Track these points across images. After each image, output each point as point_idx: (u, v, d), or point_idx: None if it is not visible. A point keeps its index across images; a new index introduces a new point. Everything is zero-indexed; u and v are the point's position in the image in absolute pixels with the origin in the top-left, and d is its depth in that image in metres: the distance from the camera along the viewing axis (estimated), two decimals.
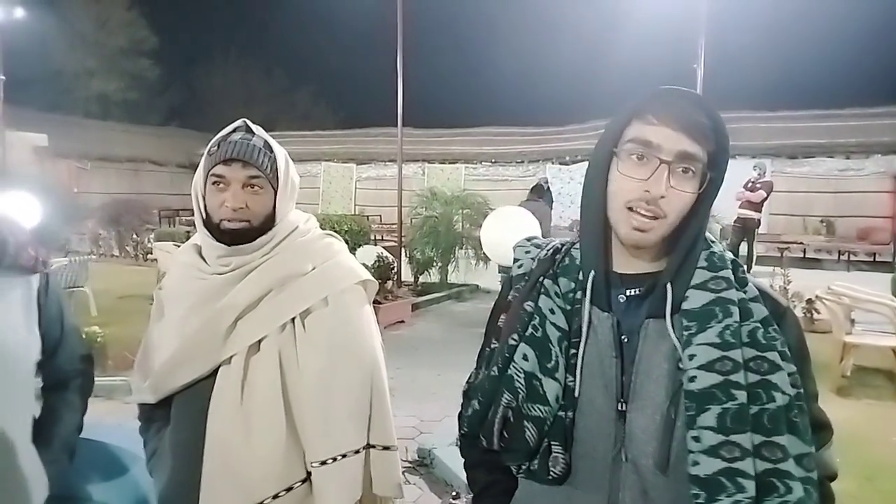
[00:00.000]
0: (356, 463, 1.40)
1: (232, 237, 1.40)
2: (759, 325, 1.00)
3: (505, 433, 1.06)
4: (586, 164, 1.14)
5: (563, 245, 1.18)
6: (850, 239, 14.51)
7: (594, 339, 1.06)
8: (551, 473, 1.04)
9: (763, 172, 11.90)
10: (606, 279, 1.08)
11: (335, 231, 6.54)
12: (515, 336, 1.08)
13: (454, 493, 2.95)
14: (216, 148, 1.41)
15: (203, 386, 1.39)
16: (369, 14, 20.27)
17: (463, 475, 3.32)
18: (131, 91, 30.61)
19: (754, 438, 0.93)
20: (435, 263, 9.87)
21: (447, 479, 3.50)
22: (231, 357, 1.37)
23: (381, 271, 7.77)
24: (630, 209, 1.01)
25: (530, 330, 1.07)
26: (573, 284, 1.10)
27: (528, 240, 1.25)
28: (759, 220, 11.85)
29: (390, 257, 8.63)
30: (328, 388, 1.38)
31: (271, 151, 1.42)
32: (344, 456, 1.38)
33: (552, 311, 1.08)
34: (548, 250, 1.18)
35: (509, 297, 1.18)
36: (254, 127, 1.45)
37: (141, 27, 30.61)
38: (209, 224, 1.42)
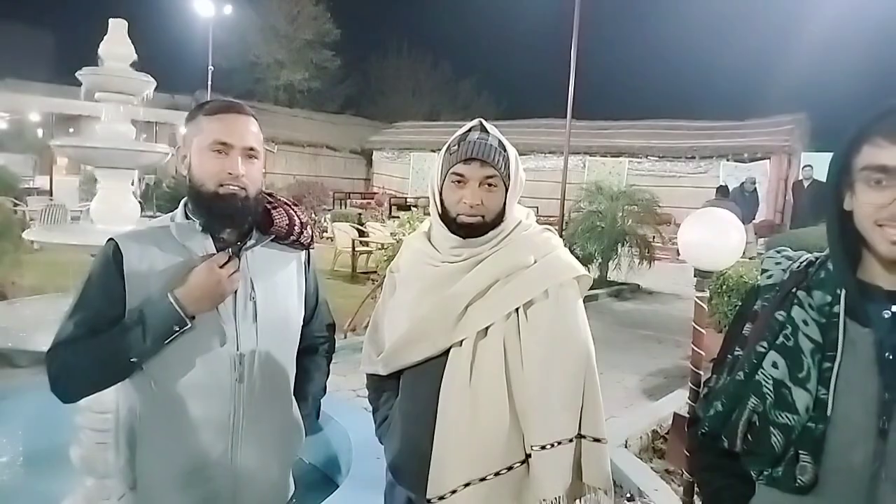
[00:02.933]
0: (570, 451, 1.46)
1: (467, 231, 1.49)
2: None
3: (749, 436, 1.08)
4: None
5: (817, 258, 1.17)
6: None
7: (852, 355, 1.03)
8: (798, 481, 1.04)
9: None
10: (866, 294, 1.05)
11: None
12: (765, 343, 1.09)
13: (628, 495, 2.93)
14: (456, 147, 1.50)
15: (434, 364, 1.50)
16: (534, 7, 20.17)
17: (634, 477, 3.29)
18: (314, 81, 33.18)
19: None
20: (595, 259, 9.68)
21: (617, 481, 3.46)
22: (462, 340, 1.47)
23: None
24: (881, 226, 0.99)
25: (781, 339, 1.08)
26: (829, 298, 1.08)
27: (779, 251, 1.25)
28: None
29: None
30: (548, 377, 1.45)
31: (505, 151, 1.50)
32: (559, 443, 1.44)
33: (805, 323, 1.08)
34: (801, 262, 1.18)
35: (755, 307, 1.19)
36: (488, 126, 1.53)
37: (325, 21, 33.00)
38: (445, 217, 1.52)
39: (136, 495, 1.42)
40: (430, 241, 1.60)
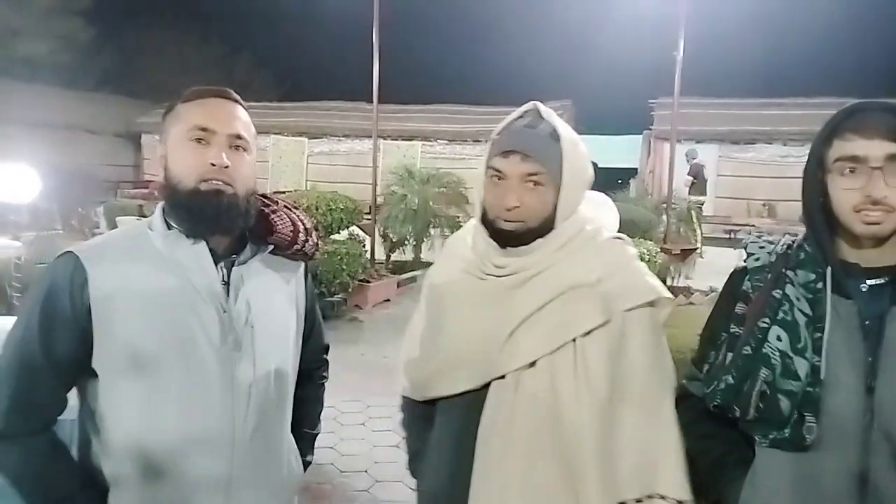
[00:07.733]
0: None
1: (505, 238, 1.24)
2: None
3: (760, 405, 1.17)
4: None
5: (793, 241, 1.29)
6: (792, 222, 15.37)
7: (838, 324, 1.17)
8: (806, 439, 1.15)
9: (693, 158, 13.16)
10: (846, 271, 1.19)
11: (331, 210, 6.42)
12: (766, 320, 1.19)
13: None
14: (498, 136, 1.26)
15: (472, 398, 1.26)
16: None
17: None
18: (63, 53, 28.54)
19: None
20: (409, 242, 9.85)
21: None
22: (505, 375, 1.23)
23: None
24: (858, 211, 1.14)
25: (781, 314, 1.19)
26: (813, 276, 1.21)
27: (759, 236, 1.35)
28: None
29: (361, 235, 8.56)
30: (614, 428, 1.21)
31: (558, 142, 1.23)
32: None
33: (798, 299, 1.20)
34: (782, 245, 1.30)
35: (744, 287, 1.29)
36: (544, 111, 1.26)
37: None
38: (485, 220, 1.27)
39: None
40: (472, 246, 1.33)
